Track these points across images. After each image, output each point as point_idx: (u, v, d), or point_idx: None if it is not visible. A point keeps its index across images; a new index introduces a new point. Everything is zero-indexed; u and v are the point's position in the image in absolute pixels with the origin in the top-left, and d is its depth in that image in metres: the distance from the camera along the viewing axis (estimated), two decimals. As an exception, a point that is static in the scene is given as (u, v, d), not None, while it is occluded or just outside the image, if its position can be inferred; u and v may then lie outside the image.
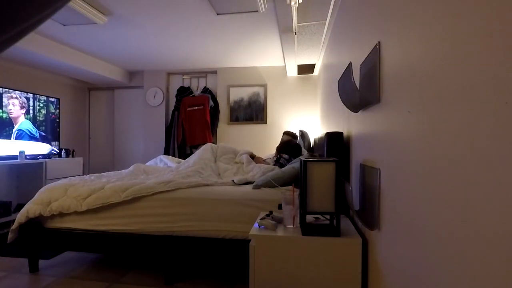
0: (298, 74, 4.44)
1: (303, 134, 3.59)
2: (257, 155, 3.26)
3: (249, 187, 2.08)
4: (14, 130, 3.49)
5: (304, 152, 3.03)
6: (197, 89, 4.80)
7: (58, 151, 4.07)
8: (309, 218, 1.44)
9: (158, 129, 4.86)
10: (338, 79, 1.50)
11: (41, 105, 3.83)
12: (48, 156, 3.88)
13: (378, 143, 1.06)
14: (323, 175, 1.27)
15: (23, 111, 3.59)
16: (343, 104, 1.49)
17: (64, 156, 4.03)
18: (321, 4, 2.32)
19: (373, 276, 1.15)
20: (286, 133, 3.65)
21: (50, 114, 3.98)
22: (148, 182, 2.09)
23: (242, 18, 2.86)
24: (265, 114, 4.61)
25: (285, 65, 4.13)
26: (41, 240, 2.08)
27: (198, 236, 1.92)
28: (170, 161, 3.31)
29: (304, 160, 1.29)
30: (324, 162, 1.29)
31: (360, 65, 1.29)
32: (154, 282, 1.98)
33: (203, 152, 2.89)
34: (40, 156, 3.75)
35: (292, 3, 2.15)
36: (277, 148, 2.83)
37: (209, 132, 4.60)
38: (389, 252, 0.94)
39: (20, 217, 2.07)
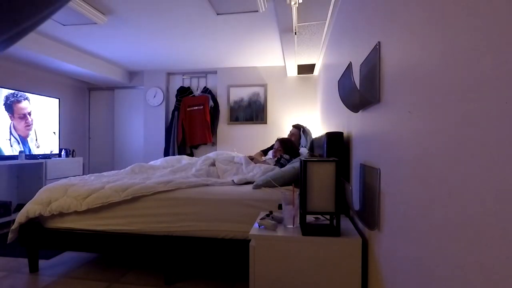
0: (298, 74, 4.44)
1: (304, 130, 3.64)
2: (257, 151, 3.28)
3: (249, 187, 2.08)
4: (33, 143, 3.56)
5: (305, 151, 3.04)
6: (197, 89, 4.80)
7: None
8: (309, 218, 1.44)
9: (158, 129, 4.86)
10: (338, 79, 1.50)
11: (41, 105, 3.83)
12: (48, 156, 3.88)
13: (378, 143, 1.06)
14: (323, 175, 1.27)
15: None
16: (343, 104, 1.49)
17: (64, 156, 4.02)
18: (321, 4, 2.32)
19: (373, 276, 1.15)
20: (296, 126, 3.80)
21: (50, 114, 3.98)
22: (148, 182, 2.09)
23: (242, 18, 2.86)
24: (265, 114, 4.60)
25: (285, 65, 4.13)
26: (41, 240, 2.07)
27: (198, 236, 1.92)
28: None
29: (304, 160, 1.29)
30: (324, 162, 1.29)
31: (360, 65, 1.29)
32: (154, 282, 1.98)
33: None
34: (40, 156, 3.75)
35: (292, 3, 2.15)
36: (282, 140, 2.86)
37: (209, 132, 4.60)
38: (389, 252, 0.94)
39: (20, 217, 2.06)
